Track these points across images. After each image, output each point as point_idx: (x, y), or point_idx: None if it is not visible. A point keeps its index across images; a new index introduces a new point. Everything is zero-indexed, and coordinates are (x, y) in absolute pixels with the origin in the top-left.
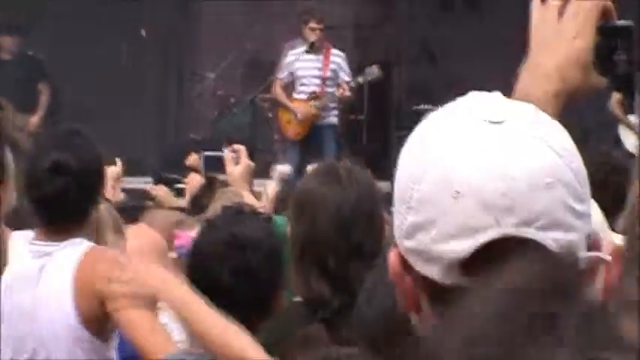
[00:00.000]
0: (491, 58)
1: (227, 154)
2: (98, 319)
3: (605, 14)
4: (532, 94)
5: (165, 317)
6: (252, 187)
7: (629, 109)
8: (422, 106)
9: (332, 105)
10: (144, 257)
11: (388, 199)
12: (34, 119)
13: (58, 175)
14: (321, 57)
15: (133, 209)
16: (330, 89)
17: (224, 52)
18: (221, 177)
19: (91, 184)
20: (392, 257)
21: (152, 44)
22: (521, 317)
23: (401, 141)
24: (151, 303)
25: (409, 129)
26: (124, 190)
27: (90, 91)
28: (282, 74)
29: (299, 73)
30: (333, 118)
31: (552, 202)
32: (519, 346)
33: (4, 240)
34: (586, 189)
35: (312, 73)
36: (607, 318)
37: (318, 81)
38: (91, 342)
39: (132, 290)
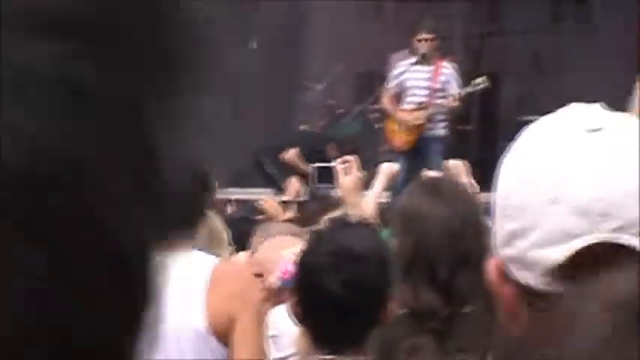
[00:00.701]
0: (601, 70)
1: (338, 165)
2: (225, 330)
3: None
4: None
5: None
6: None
7: None
8: (530, 117)
9: (440, 116)
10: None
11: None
12: None
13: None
14: (431, 68)
15: (244, 221)
16: (438, 100)
17: (334, 63)
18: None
19: (194, 193)
20: (490, 266)
21: (263, 54)
22: (632, 336)
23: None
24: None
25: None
26: (233, 201)
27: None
28: (391, 85)
29: (408, 84)
30: (440, 130)
31: None
32: None
33: None
34: None
35: (421, 84)
36: None
37: (426, 92)
38: (217, 349)
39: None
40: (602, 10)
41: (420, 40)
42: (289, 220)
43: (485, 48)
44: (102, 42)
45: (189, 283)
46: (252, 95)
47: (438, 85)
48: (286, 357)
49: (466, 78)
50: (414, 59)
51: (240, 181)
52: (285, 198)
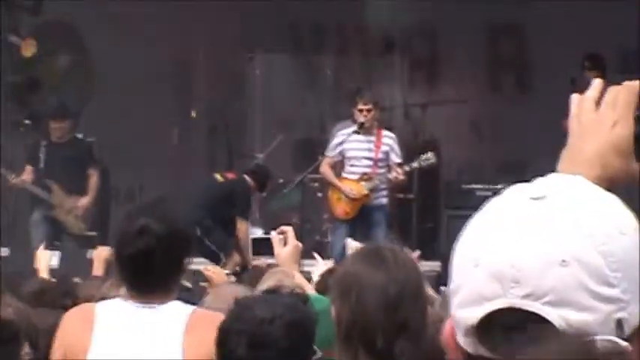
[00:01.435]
0: (540, 139)
1: (274, 235)
2: None
3: None
4: None
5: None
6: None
7: None
8: (472, 185)
9: (382, 186)
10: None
11: (437, 278)
12: (84, 201)
13: (143, 236)
14: (372, 138)
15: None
16: (380, 170)
17: (273, 132)
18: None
19: (175, 249)
20: (446, 327)
21: (201, 125)
22: None
23: (451, 220)
24: None
25: (460, 208)
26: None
27: (139, 172)
28: (331, 154)
29: (349, 154)
30: (382, 199)
31: (565, 281)
32: None
33: None
34: (622, 273)
35: (362, 154)
36: None
37: (369, 162)
38: None
39: None
40: (540, 77)
41: (359, 110)
42: None
43: (426, 116)
44: None
45: (167, 329)
46: (192, 166)
47: (380, 156)
48: None
49: (407, 148)
50: (353, 128)
51: None
52: (226, 270)
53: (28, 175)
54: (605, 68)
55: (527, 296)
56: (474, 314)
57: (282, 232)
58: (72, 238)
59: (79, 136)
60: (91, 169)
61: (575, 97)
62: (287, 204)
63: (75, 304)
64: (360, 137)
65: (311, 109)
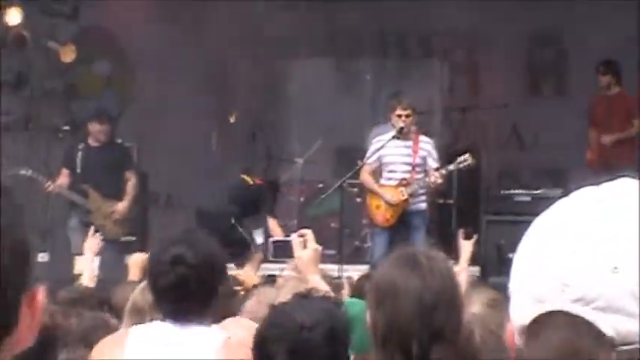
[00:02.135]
0: (579, 144)
1: (294, 238)
2: None
3: None
4: None
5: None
6: (341, 272)
7: None
8: (511, 191)
9: (421, 191)
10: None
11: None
12: (121, 206)
13: (177, 266)
14: (409, 143)
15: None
16: (419, 175)
17: (313, 138)
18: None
19: (209, 277)
20: (508, 327)
21: (241, 130)
22: None
23: (490, 225)
24: None
25: (499, 213)
26: None
27: (179, 178)
28: (370, 160)
29: (387, 159)
30: (422, 204)
31: (614, 287)
32: None
33: None
34: None
35: (400, 159)
36: None
37: (407, 167)
38: None
39: None
40: (579, 83)
41: (398, 116)
42: None
43: (465, 121)
44: None
45: (198, 353)
46: (231, 171)
47: (417, 161)
48: None
49: (446, 151)
50: (392, 134)
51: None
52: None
53: (64, 179)
54: (619, 73)
55: (577, 300)
56: (526, 314)
57: (302, 235)
58: (111, 244)
59: (118, 140)
60: (129, 172)
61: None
62: (326, 209)
63: (110, 310)
64: (398, 142)
65: (350, 114)
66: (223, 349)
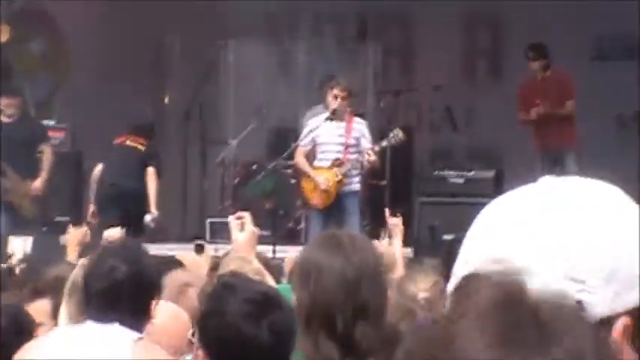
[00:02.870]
0: (512, 126)
1: (232, 220)
2: None
3: None
4: None
5: None
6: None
7: None
8: (444, 172)
9: (355, 172)
10: (167, 336)
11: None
12: (37, 183)
13: (113, 275)
14: (342, 124)
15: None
16: (352, 156)
17: (246, 119)
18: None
19: (142, 291)
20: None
21: (174, 110)
22: None
23: (423, 206)
24: None
25: (432, 194)
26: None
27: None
28: (304, 141)
29: (320, 140)
30: (355, 185)
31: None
32: None
33: None
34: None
35: (334, 140)
36: None
37: (339, 147)
38: None
39: None
40: (513, 65)
41: (334, 97)
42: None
43: (398, 103)
44: None
45: (110, 354)
46: (165, 151)
47: (351, 141)
48: None
49: (379, 133)
50: (325, 115)
51: (156, 236)
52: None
53: None
54: (548, 55)
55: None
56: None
57: (240, 217)
58: (42, 224)
59: (29, 115)
60: (44, 146)
61: None
62: (260, 191)
63: (35, 291)
64: (331, 124)
65: (284, 95)
66: (134, 348)
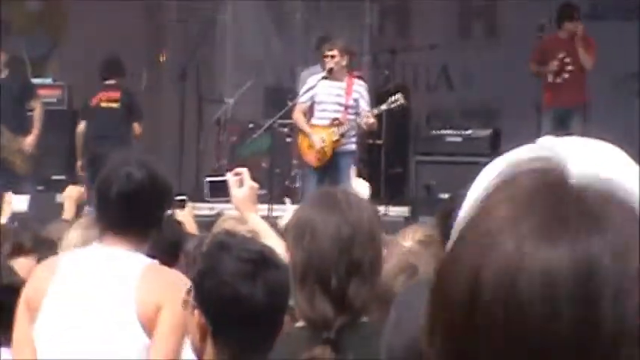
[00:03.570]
0: (509, 84)
1: (230, 177)
2: (152, 321)
3: None
4: None
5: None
6: (271, 212)
7: None
8: (441, 131)
9: (352, 132)
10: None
11: (405, 223)
12: (30, 139)
13: (130, 182)
14: (343, 84)
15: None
16: (351, 117)
17: (243, 78)
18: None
19: (157, 197)
20: None
21: (171, 69)
22: None
23: (420, 165)
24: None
25: (428, 154)
26: None
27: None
28: (302, 100)
29: (319, 98)
30: (351, 145)
31: None
32: None
33: None
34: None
35: (333, 99)
36: None
37: (339, 107)
38: (143, 340)
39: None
40: (509, 24)
41: (327, 56)
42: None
43: (395, 62)
44: None
45: (121, 276)
46: (162, 110)
47: (350, 102)
48: None
49: (376, 93)
50: (323, 74)
51: None
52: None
53: None
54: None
55: None
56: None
57: (238, 174)
58: (37, 181)
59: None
60: (33, 102)
61: None
62: (256, 149)
63: (20, 249)
64: (331, 83)
65: (281, 54)
66: (146, 271)
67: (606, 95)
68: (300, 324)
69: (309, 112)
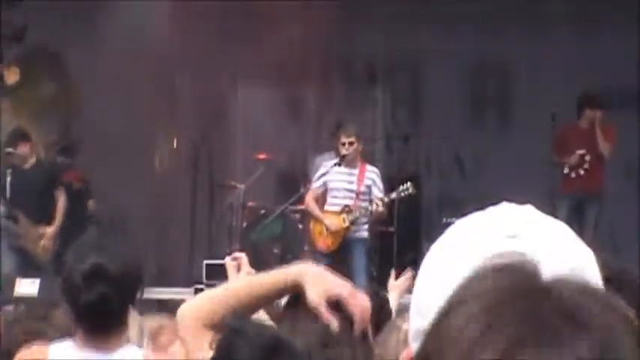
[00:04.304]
0: (521, 173)
1: (228, 261)
2: None
3: None
4: None
5: None
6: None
7: None
8: (452, 219)
9: (363, 219)
10: None
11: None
12: (49, 230)
13: (97, 281)
14: (355, 171)
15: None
16: (362, 203)
17: (255, 164)
18: None
19: (130, 288)
20: (403, 356)
21: (183, 155)
22: None
23: None
24: None
25: None
26: (156, 300)
27: (122, 201)
28: (315, 184)
29: (331, 185)
30: (363, 232)
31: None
32: None
33: None
34: None
35: (345, 186)
36: None
37: (350, 194)
38: None
39: None
40: (522, 114)
41: (342, 143)
42: None
43: (408, 148)
44: None
45: None
46: (174, 195)
47: (362, 189)
48: None
49: (388, 180)
50: (336, 161)
51: (164, 280)
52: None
53: None
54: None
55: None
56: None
57: (236, 259)
58: (50, 266)
59: (45, 160)
60: (58, 192)
61: None
62: (268, 235)
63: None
64: (343, 169)
65: (293, 140)
66: None
67: (620, 182)
68: None
69: (321, 198)
